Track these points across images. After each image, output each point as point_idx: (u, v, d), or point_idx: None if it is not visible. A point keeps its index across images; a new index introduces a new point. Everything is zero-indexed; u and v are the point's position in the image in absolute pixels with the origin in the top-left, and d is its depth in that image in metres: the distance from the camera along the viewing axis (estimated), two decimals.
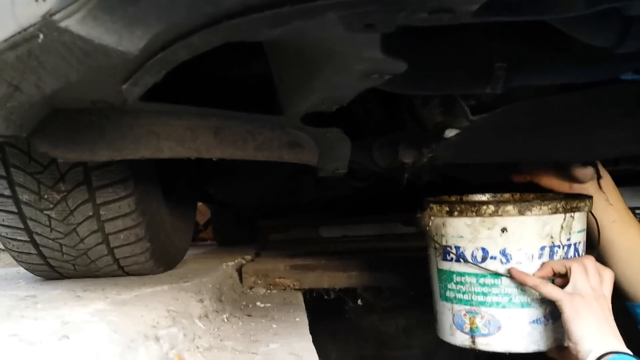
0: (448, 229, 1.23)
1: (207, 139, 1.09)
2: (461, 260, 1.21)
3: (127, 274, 1.51)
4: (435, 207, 1.24)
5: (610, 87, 1.14)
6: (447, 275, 1.25)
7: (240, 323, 1.30)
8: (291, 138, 1.20)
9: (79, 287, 1.34)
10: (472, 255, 1.20)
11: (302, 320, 1.35)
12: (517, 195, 1.40)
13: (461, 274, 1.22)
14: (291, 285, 1.87)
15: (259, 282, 1.87)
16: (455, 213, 1.20)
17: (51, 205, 1.30)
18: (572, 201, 1.18)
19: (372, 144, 1.42)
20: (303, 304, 1.61)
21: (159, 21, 0.66)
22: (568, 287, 1.11)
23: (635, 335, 1.29)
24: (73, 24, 0.62)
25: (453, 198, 1.40)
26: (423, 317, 2.88)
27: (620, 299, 1.34)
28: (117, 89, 0.83)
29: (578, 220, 1.21)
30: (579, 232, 1.22)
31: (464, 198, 1.41)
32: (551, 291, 1.12)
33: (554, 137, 1.21)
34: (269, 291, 1.81)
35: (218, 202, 3.02)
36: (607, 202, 1.31)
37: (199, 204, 3.78)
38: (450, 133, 1.17)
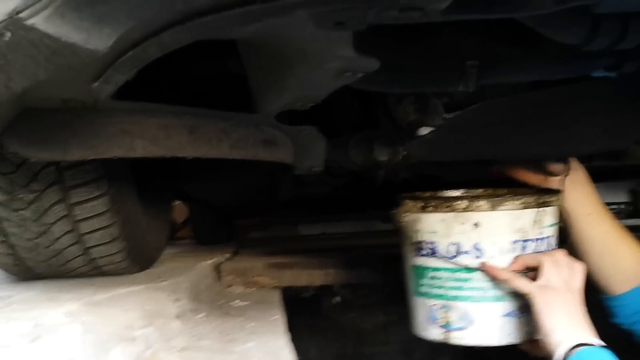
0: (422, 224, 1.23)
1: (181, 137, 1.08)
2: (435, 255, 1.22)
3: (103, 273, 1.50)
4: (409, 203, 1.25)
5: (582, 84, 1.15)
6: (421, 271, 1.26)
7: (217, 322, 1.30)
8: (266, 136, 1.20)
9: (54, 287, 1.33)
10: (445, 250, 1.21)
11: (279, 319, 1.35)
12: (490, 190, 1.41)
13: (435, 269, 1.23)
14: (269, 284, 1.86)
15: (236, 280, 1.87)
16: (429, 209, 1.21)
17: (25, 205, 1.28)
18: (543, 196, 1.20)
19: (348, 142, 1.43)
20: (281, 302, 1.61)
21: (129, 18, 0.66)
22: (539, 281, 1.12)
23: (609, 328, 1.31)
24: (40, 22, 0.61)
25: (427, 194, 1.41)
26: (402, 313, 2.90)
27: (594, 292, 1.36)
28: (87, 87, 0.82)
29: (550, 215, 1.23)
30: (550, 226, 1.24)
31: (438, 194, 1.42)
32: (522, 285, 1.13)
33: (527, 134, 1.22)
34: (246, 290, 1.80)
35: (196, 201, 3.00)
36: (581, 196, 1.32)
37: (177, 202, 3.76)
38: (424, 131, 1.18)
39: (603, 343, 1.04)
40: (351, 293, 2.04)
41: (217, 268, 1.90)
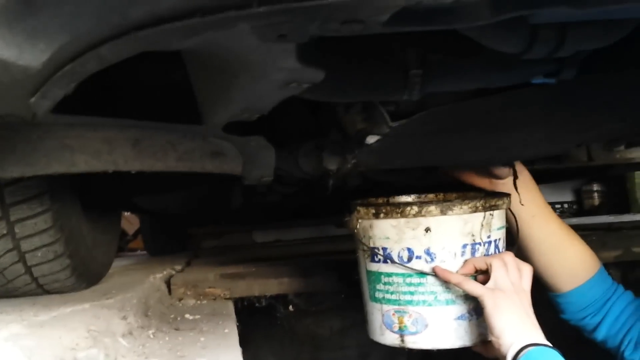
0: (375, 230, 1.25)
1: (124, 151, 1.06)
2: (388, 261, 1.23)
3: (47, 292, 1.45)
4: (362, 210, 1.26)
5: (522, 91, 1.18)
6: (376, 276, 1.28)
7: (167, 338, 1.27)
8: (213, 148, 1.18)
9: None
10: (398, 255, 1.22)
11: (231, 332, 1.33)
12: (441, 195, 1.44)
13: (389, 275, 1.25)
14: (221, 295, 1.84)
15: (188, 293, 1.84)
16: (381, 215, 1.22)
17: None
18: (490, 199, 1.23)
19: (298, 151, 1.42)
20: (233, 314, 1.59)
21: (63, 33, 0.64)
22: (489, 283, 1.16)
23: (557, 324, 1.35)
24: None
25: (380, 200, 1.43)
26: (357, 318, 2.91)
27: (542, 290, 1.40)
28: (24, 102, 0.79)
29: (497, 218, 1.26)
30: (498, 229, 1.27)
31: (390, 200, 1.44)
32: (473, 287, 1.16)
33: (470, 140, 1.25)
34: (198, 302, 1.77)
35: (146, 212, 2.95)
36: (526, 198, 1.35)
37: (128, 213, 3.69)
38: (371, 139, 1.19)
39: (549, 343, 1.07)
40: (305, 301, 2.04)
41: (169, 281, 1.87)
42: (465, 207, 1.19)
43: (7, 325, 1.05)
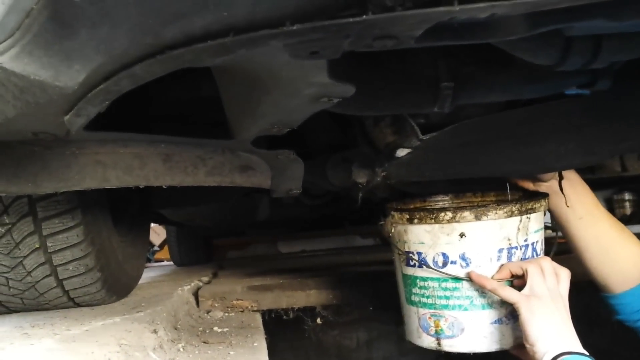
0: (409, 235, 1.25)
1: (155, 166, 1.07)
2: (423, 265, 1.23)
3: (78, 305, 1.47)
4: (396, 215, 1.26)
5: (555, 102, 1.16)
6: (411, 281, 1.27)
7: (196, 352, 1.27)
8: (243, 162, 1.19)
9: (27, 322, 1.29)
10: (433, 260, 1.22)
11: (260, 345, 1.33)
12: (478, 196, 1.43)
13: (424, 279, 1.24)
14: (249, 307, 1.84)
15: (216, 305, 1.84)
16: (415, 220, 1.22)
17: None
18: (526, 203, 1.21)
19: (326, 163, 1.42)
20: (262, 327, 1.59)
21: (98, 54, 0.65)
22: (525, 289, 1.13)
23: (610, 326, 1.31)
24: (7, 60, 0.60)
25: (412, 205, 1.42)
26: (383, 330, 2.90)
27: (596, 291, 1.37)
28: (59, 120, 0.80)
29: (534, 221, 1.23)
30: (536, 232, 1.25)
31: (425, 204, 1.44)
32: (508, 294, 1.15)
33: (502, 152, 1.23)
34: (226, 314, 1.77)
35: (173, 224, 2.97)
36: (572, 200, 1.31)
37: (154, 224, 3.72)
38: (401, 152, 1.18)
39: (585, 352, 1.05)
40: (333, 313, 2.02)
41: (196, 293, 1.88)
42: (500, 212, 1.17)
43: (40, 339, 1.06)
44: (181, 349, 1.27)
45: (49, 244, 1.28)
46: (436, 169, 1.28)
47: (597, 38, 0.87)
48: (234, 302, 1.85)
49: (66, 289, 1.38)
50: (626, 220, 3.69)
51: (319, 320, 2.01)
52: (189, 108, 1.31)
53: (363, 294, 1.90)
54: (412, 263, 1.26)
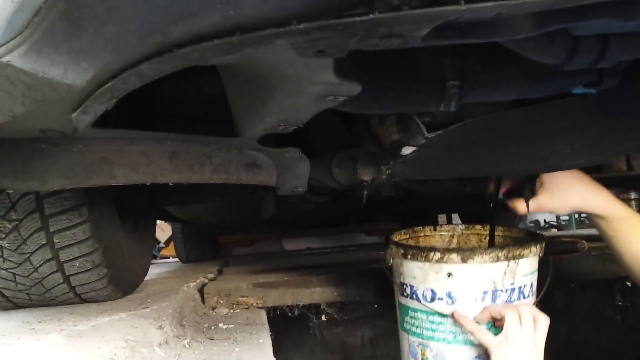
0: (404, 268, 1.31)
1: (162, 163, 1.07)
2: (414, 297, 1.30)
3: (84, 301, 1.48)
4: (393, 249, 1.33)
5: (561, 101, 1.16)
6: (405, 309, 1.34)
7: (202, 348, 1.28)
8: (248, 159, 1.19)
9: (34, 317, 1.30)
10: (422, 294, 1.28)
11: (265, 342, 1.33)
12: (478, 227, 1.49)
13: (415, 310, 1.31)
14: (254, 304, 1.85)
15: (221, 301, 1.85)
16: (409, 256, 1.28)
17: (3, 235, 1.26)
18: (514, 249, 1.23)
19: (331, 161, 1.42)
20: (267, 324, 1.59)
21: (106, 52, 0.65)
22: (500, 335, 1.17)
23: (616, 326, 1.29)
24: (15, 58, 0.60)
25: (422, 233, 1.51)
26: (388, 327, 2.90)
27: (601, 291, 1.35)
28: (66, 117, 0.81)
29: (524, 266, 1.26)
30: (525, 275, 1.27)
31: (435, 232, 1.51)
32: (483, 337, 1.19)
33: (508, 151, 1.23)
34: (231, 311, 1.78)
35: (179, 221, 2.98)
36: (587, 205, 1.29)
37: (160, 221, 3.73)
38: (407, 150, 1.18)
39: None
40: (337, 310, 2.03)
41: (202, 289, 1.88)
42: (486, 256, 1.21)
43: (47, 335, 1.06)
44: (187, 345, 1.27)
45: (55, 240, 1.29)
46: (442, 167, 1.28)
47: (604, 37, 0.87)
48: (239, 298, 1.86)
49: (73, 285, 1.39)
50: None
51: (323, 318, 2.01)
52: (195, 106, 1.32)
53: (368, 292, 1.90)
54: (405, 294, 1.32)
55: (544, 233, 1.76)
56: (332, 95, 0.89)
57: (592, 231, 1.45)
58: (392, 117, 1.19)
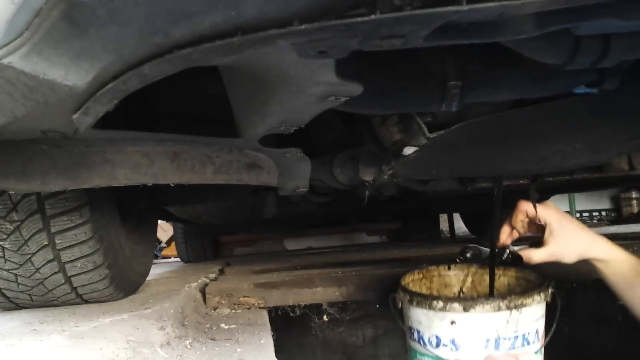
0: (411, 314, 1.34)
1: (163, 164, 1.07)
2: (421, 343, 1.32)
3: (86, 301, 1.48)
4: (401, 294, 1.35)
5: (563, 101, 1.16)
6: (413, 352, 1.37)
7: (204, 348, 1.27)
8: (250, 160, 1.19)
9: (36, 318, 1.30)
10: (428, 340, 1.30)
11: (267, 342, 1.33)
12: (500, 269, 1.46)
13: (422, 354, 1.33)
14: (256, 304, 1.84)
15: (223, 302, 1.84)
16: (414, 303, 1.31)
17: (4, 236, 1.26)
18: (515, 298, 1.24)
19: (333, 161, 1.42)
20: (268, 324, 1.59)
21: (107, 53, 0.65)
22: None
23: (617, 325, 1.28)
24: (16, 59, 0.60)
25: (436, 272, 1.52)
26: (389, 327, 2.90)
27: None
28: (67, 118, 0.81)
29: (528, 314, 1.26)
30: (530, 322, 1.28)
31: (449, 271, 1.53)
32: None
33: (509, 151, 1.23)
34: (233, 311, 1.77)
35: (180, 221, 2.98)
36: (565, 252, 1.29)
37: (161, 221, 3.74)
38: (408, 151, 1.18)
39: None
40: (339, 310, 2.03)
41: (203, 290, 1.88)
42: (487, 306, 1.23)
43: (49, 336, 1.06)
44: (188, 346, 1.27)
45: (57, 241, 1.29)
46: (443, 167, 1.28)
47: (606, 37, 0.87)
48: (241, 299, 1.85)
49: (74, 286, 1.39)
50: (633, 219, 3.68)
51: (325, 318, 2.01)
52: (196, 107, 1.32)
53: (369, 292, 1.90)
54: (413, 338, 1.35)
55: None
56: (334, 95, 0.88)
57: (594, 230, 1.45)
58: (393, 117, 1.19)
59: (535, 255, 1.28)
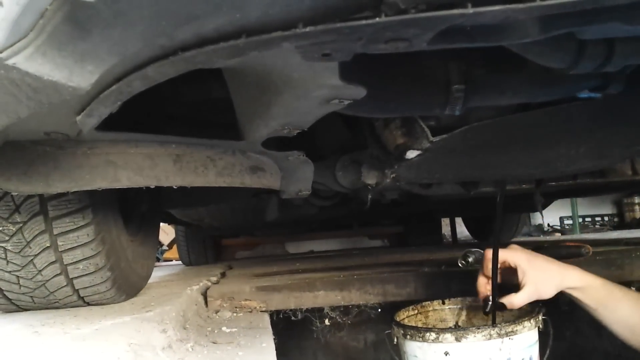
0: (406, 348, 1.35)
1: (166, 166, 1.07)
2: None
3: (88, 304, 1.47)
4: (395, 329, 1.37)
5: (567, 105, 1.16)
6: None
7: (205, 352, 1.27)
8: (253, 163, 1.19)
9: (37, 321, 1.29)
10: None
11: (269, 346, 1.32)
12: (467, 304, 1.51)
13: None
14: (257, 308, 1.84)
15: (224, 305, 1.84)
16: (408, 336, 1.32)
17: (6, 238, 1.26)
18: (506, 326, 1.25)
19: (335, 165, 1.42)
20: (270, 327, 1.58)
21: (111, 55, 0.65)
22: None
23: None
24: (21, 61, 0.60)
25: (430, 307, 1.54)
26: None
27: None
28: (71, 120, 0.81)
29: (520, 340, 1.28)
30: (523, 349, 1.29)
31: (444, 305, 1.55)
32: None
33: (513, 155, 1.23)
34: (234, 314, 1.77)
35: (182, 223, 2.99)
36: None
37: (164, 224, 3.74)
38: (411, 154, 1.18)
39: None
40: (341, 314, 2.02)
41: (205, 293, 1.88)
42: (478, 335, 1.24)
43: (50, 338, 1.06)
44: (190, 349, 1.27)
45: (59, 243, 1.28)
46: (446, 171, 1.28)
47: (611, 41, 0.87)
48: (243, 302, 1.85)
49: (76, 288, 1.38)
50: (636, 224, 3.67)
51: (327, 322, 2.00)
52: (199, 109, 1.32)
53: (370, 296, 1.90)
54: None
55: (547, 237, 1.74)
56: (337, 98, 0.89)
57: (597, 235, 1.45)
58: (396, 121, 1.19)
59: (516, 300, 1.29)
